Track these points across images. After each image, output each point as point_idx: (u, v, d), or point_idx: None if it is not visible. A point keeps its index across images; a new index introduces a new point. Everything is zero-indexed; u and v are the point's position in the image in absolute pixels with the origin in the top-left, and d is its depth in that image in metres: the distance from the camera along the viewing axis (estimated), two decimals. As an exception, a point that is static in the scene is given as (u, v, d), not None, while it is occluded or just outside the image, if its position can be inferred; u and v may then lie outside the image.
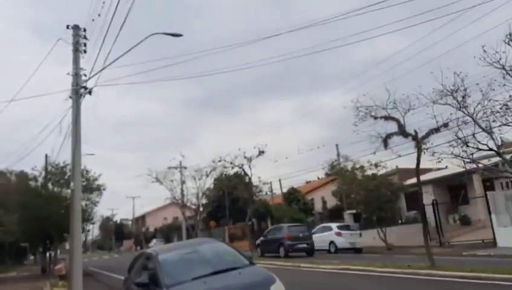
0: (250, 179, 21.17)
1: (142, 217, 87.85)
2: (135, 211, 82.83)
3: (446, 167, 35.98)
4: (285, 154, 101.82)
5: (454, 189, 28.87)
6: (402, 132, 12.04)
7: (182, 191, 44.16)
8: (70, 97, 12.99)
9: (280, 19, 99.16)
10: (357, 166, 25.87)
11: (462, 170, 29.23)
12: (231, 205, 52.84)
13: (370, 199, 23.52)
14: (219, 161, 21.62)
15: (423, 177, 29.99)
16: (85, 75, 12.81)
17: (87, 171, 26.37)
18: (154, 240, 61.99)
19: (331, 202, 40.12)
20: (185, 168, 41.42)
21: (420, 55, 42.18)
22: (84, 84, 12.92)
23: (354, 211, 31.29)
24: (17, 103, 54.74)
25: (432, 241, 24.77)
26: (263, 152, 21.41)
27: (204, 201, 47.13)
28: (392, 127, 12.07)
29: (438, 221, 24.06)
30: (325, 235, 25.02)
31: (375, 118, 11.97)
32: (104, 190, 27.66)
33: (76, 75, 13.00)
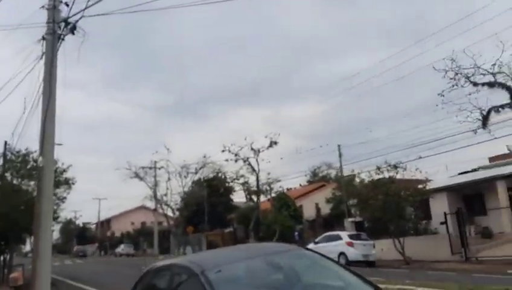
0: (257, 174, 17.56)
1: (107, 221, 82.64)
2: (100, 214, 77.34)
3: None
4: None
5: (470, 198, 26.16)
6: (518, 103, 8.88)
7: (155, 191, 39.94)
8: (44, 38, 9.18)
9: (254, 28, 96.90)
10: (359, 171, 22.69)
11: (480, 177, 27.03)
12: (210, 210, 49.06)
13: (390, 205, 20.36)
14: (222, 151, 17.93)
15: (434, 185, 27.23)
16: (67, 4, 9.05)
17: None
18: (122, 246, 57.23)
19: (324, 210, 36.96)
20: (159, 168, 37.42)
21: (390, 72, 40.27)
22: (64, 19, 9.16)
23: (356, 219, 28.15)
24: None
25: (454, 255, 21.92)
26: (276, 143, 17.76)
27: (180, 205, 43.11)
28: (498, 98, 8.91)
29: (464, 233, 21.13)
30: (333, 246, 21.62)
31: (475, 84, 8.81)
32: (73, 184, 23.49)
33: (54, 8, 9.24)
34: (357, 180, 23.06)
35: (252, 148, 17.59)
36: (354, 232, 22.41)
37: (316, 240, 23.65)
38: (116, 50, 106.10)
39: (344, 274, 4.20)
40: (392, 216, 20.60)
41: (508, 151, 34.91)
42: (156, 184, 36.11)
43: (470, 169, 37.34)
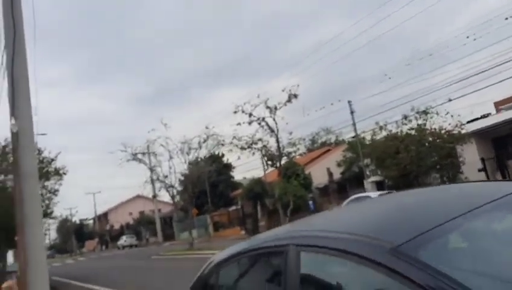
0: (277, 135, 15.05)
1: (105, 215, 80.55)
2: (97, 209, 74.91)
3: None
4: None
5: (500, 142, 24.01)
6: None
7: (152, 175, 36.94)
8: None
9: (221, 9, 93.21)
10: (384, 123, 20.18)
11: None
12: (211, 190, 46.71)
13: (423, 156, 18.08)
14: (235, 112, 15.31)
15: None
16: None
17: (39, 150, 19.40)
18: (124, 237, 55.00)
19: (334, 175, 34.79)
20: (153, 153, 34.42)
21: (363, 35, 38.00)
22: None
23: (376, 179, 26.01)
24: None
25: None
26: (296, 96, 15.05)
27: (179, 188, 40.48)
28: None
29: (507, 176, 19.05)
30: (363, 209, 19.37)
31: None
32: (64, 174, 20.81)
33: None
34: (376, 136, 20.57)
35: (267, 106, 14.98)
36: (384, 192, 20.13)
37: (342, 205, 21.44)
38: (89, 45, 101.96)
39: None
40: (427, 168, 18.37)
41: (525, 91, 32.90)
42: (152, 166, 32.99)
43: (479, 116, 35.37)
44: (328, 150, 43.80)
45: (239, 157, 16.67)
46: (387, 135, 19.85)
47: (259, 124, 15.44)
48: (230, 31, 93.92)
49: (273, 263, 2.25)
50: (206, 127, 22.82)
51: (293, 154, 16.24)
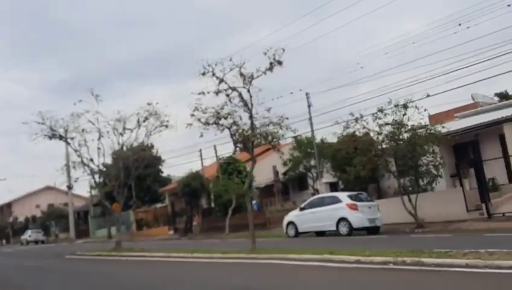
0: (250, 110, 11.87)
1: (8, 205, 72.40)
2: (-1, 198, 66.48)
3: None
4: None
5: (461, 148, 22.88)
6: None
7: (68, 161, 31.71)
8: None
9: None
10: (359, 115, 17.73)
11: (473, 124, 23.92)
12: (136, 184, 42.31)
13: (403, 153, 16.07)
14: (202, 74, 11.82)
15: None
16: None
17: None
18: (29, 231, 48.54)
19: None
20: (82, 129, 28.62)
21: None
22: None
23: (331, 180, 23.85)
24: None
25: (470, 212, 18.12)
26: (280, 63, 11.93)
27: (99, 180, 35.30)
28: None
29: (486, 186, 17.55)
30: (329, 210, 16.94)
31: None
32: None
33: None
34: (349, 128, 18.18)
35: (241, 74, 11.72)
36: (353, 193, 17.92)
37: (302, 205, 18.88)
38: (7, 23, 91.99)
39: None
40: (407, 168, 16.39)
41: (472, 101, 32.67)
42: (75, 147, 27.44)
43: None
44: (268, 149, 41.46)
45: (201, 135, 13.28)
46: (360, 129, 17.54)
47: (228, 95, 12.25)
48: (159, 23, 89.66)
49: None
50: (148, 104, 19.03)
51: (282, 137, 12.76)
